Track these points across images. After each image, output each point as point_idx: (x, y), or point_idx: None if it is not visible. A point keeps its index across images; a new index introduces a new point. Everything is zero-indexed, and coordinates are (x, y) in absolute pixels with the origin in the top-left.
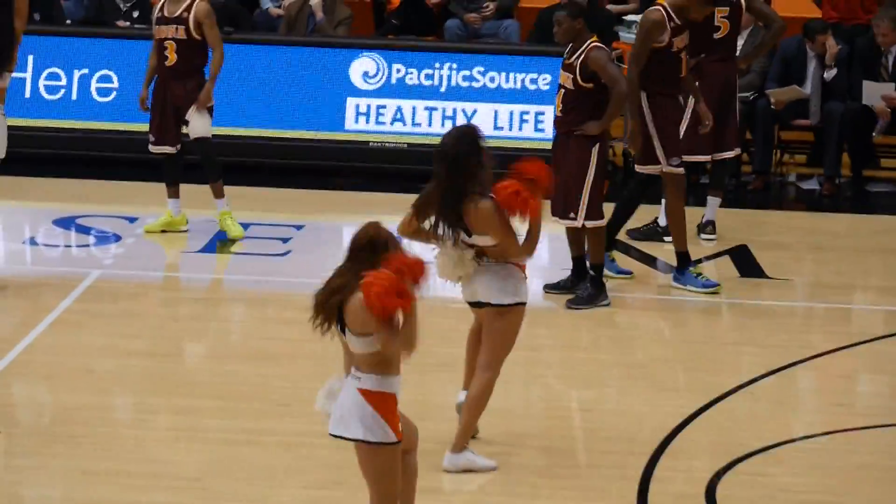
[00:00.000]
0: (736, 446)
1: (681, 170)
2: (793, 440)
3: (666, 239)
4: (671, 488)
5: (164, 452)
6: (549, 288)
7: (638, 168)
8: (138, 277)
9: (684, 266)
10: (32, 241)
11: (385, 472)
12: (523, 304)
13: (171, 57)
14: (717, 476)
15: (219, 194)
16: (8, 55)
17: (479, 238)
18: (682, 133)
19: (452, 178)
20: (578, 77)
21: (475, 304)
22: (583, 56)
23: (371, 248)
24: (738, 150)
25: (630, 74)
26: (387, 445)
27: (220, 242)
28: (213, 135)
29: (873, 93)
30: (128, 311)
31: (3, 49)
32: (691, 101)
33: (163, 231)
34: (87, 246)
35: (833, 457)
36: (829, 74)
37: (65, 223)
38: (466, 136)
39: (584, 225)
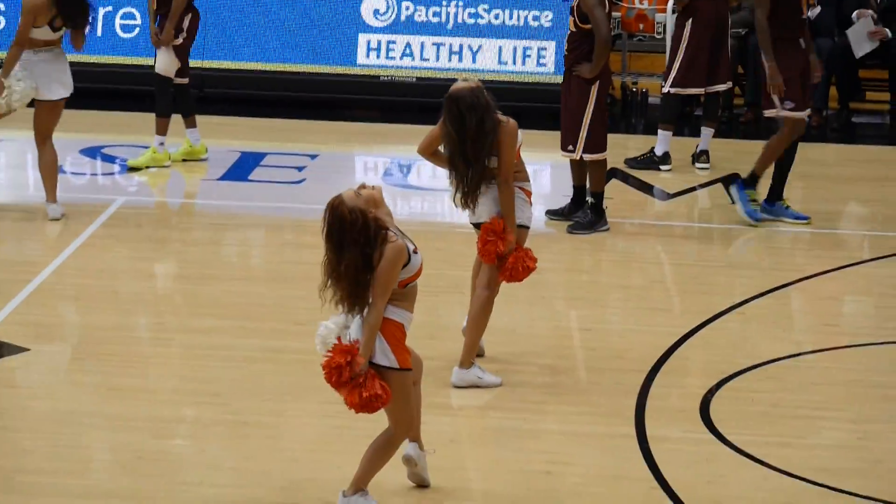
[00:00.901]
0: (728, 364)
1: (797, 114)
2: (782, 358)
3: (662, 167)
4: (667, 404)
5: (186, 370)
6: (551, 214)
7: (764, 112)
8: (161, 204)
9: (773, 198)
10: (61, 170)
11: (395, 396)
12: (524, 226)
13: (153, 4)
14: (711, 392)
15: (159, 131)
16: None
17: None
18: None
19: (480, 127)
20: (577, 18)
21: (477, 226)
22: None
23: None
24: (729, 84)
25: (756, 19)
26: (393, 371)
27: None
28: (236, 69)
29: (860, 30)
30: (151, 236)
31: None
32: (686, 34)
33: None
34: (113, 174)
35: (822, 374)
36: (813, 13)
37: (91, 153)
38: (481, 90)
39: (582, 157)
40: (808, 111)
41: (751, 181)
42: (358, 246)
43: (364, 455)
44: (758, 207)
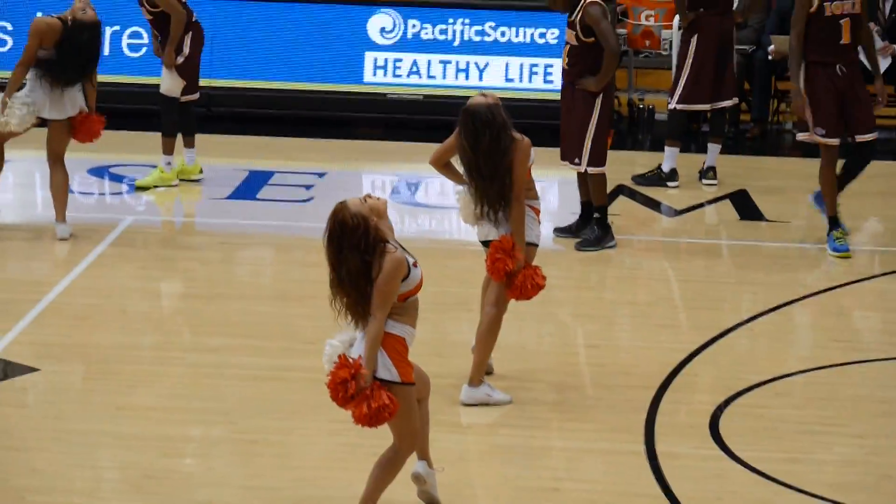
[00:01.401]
0: (737, 380)
1: (830, 140)
2: (791, 374)
3: (669, 184)
4: (676, 420)
5: (194, 389)
6: (559, 231)
7: (797, 136)
8: (169, 223)
9: (832, 227)
10: (70, 190)
11: (399, 411)
12: (532, 244)
13: (155, 33)
14: (720, 409)
15: (165, 150)
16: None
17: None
18: (837, 106)
19: (495, 145)
20: (579, 32)
21: (486, 244)
22: (581, 12)
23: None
24: (735, 100)
25: (790, 37)
26: (396, 385)
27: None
28: (243, 87)
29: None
30: (159, 255)
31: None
32: (691, 50)
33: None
34: (120, 194)
35: (829, 390)
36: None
37: (99, 172)
38: (498, 107)
39: (587, 171)
40: (838, 139)
41: (833, 224)
42: (358, 252)
43: (370, 474)
44: (844, 241)
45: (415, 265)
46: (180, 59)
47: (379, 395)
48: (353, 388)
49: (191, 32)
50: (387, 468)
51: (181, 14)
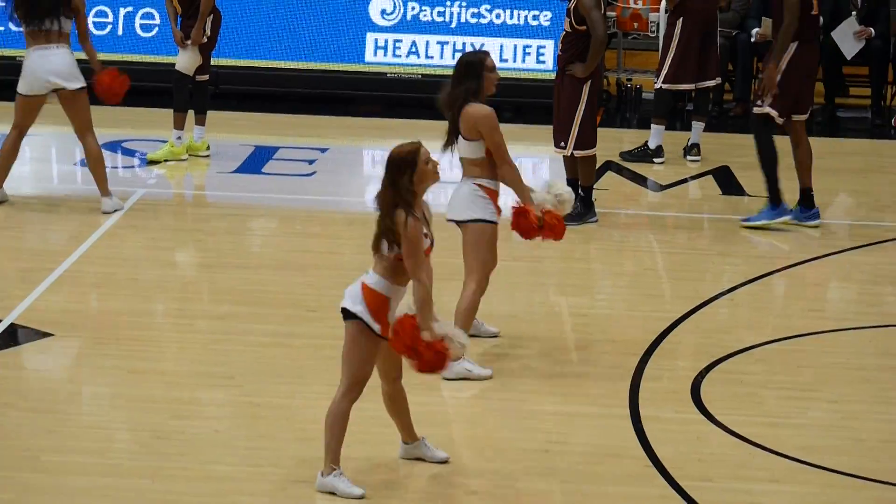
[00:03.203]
0: (718, 348)
1: (766, 110)
2: (770, 342)
3: (655, 160)
4: (660, 386)
5: (202, 354)
6: None
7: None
8: (179, 196)
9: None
10: (83, 163)
11: (361, 351)
12: (486, 221)
13: (178, 8)
14: (701, 375)
15: (176, 125)
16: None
17: (468, 146)
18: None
19: (458, 82)
20: (573, 20)
21: (455, 222)
22: (576, 1)
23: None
24: (718, 80)
25: (785, 24)
26: (371, 332)
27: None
28: (250, 66)
29: (845, 30)
30: (169, 226)
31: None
32: (677, 32)
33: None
34: (133, 167)
35: (806, 357)
36: None
37: (112, 147)
38: (478, 54)
39: (572, 154)
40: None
41: (805, 201)
42: (397, 186)
43: (325, 433)
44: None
45: (426, 235)
46: (204, 39)
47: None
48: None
49: (212, 14)
50: (337, 420)
51: None
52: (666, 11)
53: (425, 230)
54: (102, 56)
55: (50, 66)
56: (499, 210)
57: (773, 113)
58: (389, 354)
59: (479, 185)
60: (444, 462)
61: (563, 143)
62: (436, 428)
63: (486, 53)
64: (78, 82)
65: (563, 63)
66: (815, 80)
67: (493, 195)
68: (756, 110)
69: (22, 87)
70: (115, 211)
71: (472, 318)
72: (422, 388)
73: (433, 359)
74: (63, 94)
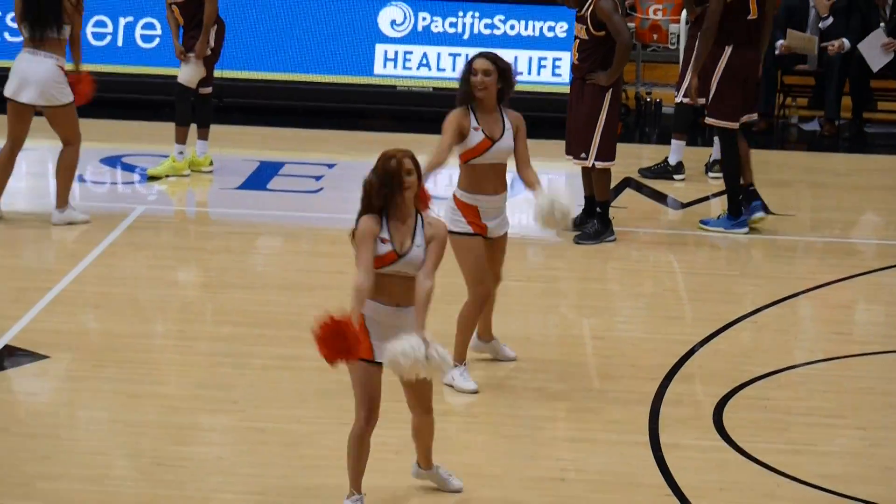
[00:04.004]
0: (740, 372)
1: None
2: (794, 366)
3: (676, 177)
4: (680, 412)
5: (204, 377)
6: None
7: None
8: (180, 213)
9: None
10: (81, 179)
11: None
12: (456, 234)
13: (180, 19)
14: (724, 401)
15: (178, 139)
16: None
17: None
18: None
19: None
20: (590, 26)
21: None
22: (592, 6)
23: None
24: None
25: (707, 23)
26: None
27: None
28: (254, 78)
29: (873, 42)
30: (170, 244)
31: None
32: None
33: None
34: (132, 183)
35: (832, 382)
36: (825, 24)
37: (111, 162)
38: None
39: (594, 165)
40: (754, 115)
41: (749, 196)
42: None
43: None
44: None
45: (383, 241)
46: (208, 52)
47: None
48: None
49: (216, 26)
50: (350, 441)
51: (216, 2)
52: (687, 23)
53: (386, 236)
54: (102, 68)
55: (36, 76)
56: (479, 226)
57: (729, 124)
58: (416, 388)
59: (453, 196)
60: (458, 491)
61: (583, 154)
62: (448, 455)
63: (480, 54)
64: (63, 98)
65: (582, 72)
66: (755, 83)
67: (464, 207)
68: (709, 121)
69: (8, 90)
70: (69, 224)
71: (470, 330)
72: (434, 413)
73: (328, 335)
74: (47, 111)
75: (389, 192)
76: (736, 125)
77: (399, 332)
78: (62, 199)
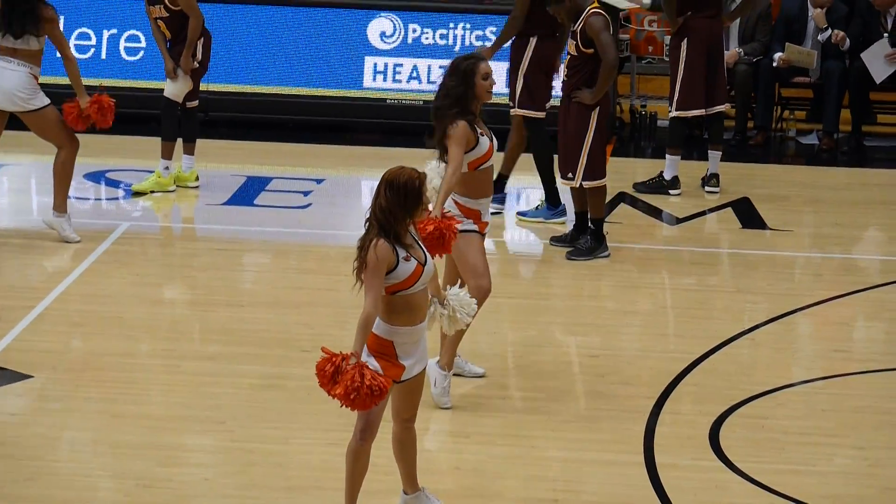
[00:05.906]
0: (738, 391)
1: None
2: (792, 385)
3: (671, 192)
4: (676, 431)
5: (190, 397)
6: (555, 241)
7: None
8: (166, 229)
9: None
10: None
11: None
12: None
13: (166, 33)
14: (720, 420)
15: (164, 155)
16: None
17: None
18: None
19: (445, 90)
20: (580, 43)
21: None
22: (583, 22)
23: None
24: (727, 105)
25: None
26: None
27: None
28: (241, 92)
29: (876, 52)
30: (156, 261)
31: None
32: (682, 55)
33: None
34: (117, 199)
35: (830, 400)
36: (823, 37)
37: (95, 177)
38: (469, 59)
39: (581, 185)
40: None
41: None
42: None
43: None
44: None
45: (406, 259)
46: (195, 65)
47: (360, 374)
48: (332, 369)
49: (202, 38)
50: (348, 456)
51: (201, 16)
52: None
53: (405, 254)
54: (86, 82)
55: (9, 83)
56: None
57: (536, 114)
58: (404, 394)
59: (455, 204)
60: None
61: (570, 175)
62: (436, 476)
63: (481, 58)
64: (32, 104)
65: (569, 89)
66: (552, 76)
67: (468, 211)
68: (514, 112)
69: None
70: (56, 233)
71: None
72: (422, 432)
73: (359, 401)
74: (23, 117)
75: (411, 214)
76: (542, 115)
77: (421, 342)
78: (58, 203)
